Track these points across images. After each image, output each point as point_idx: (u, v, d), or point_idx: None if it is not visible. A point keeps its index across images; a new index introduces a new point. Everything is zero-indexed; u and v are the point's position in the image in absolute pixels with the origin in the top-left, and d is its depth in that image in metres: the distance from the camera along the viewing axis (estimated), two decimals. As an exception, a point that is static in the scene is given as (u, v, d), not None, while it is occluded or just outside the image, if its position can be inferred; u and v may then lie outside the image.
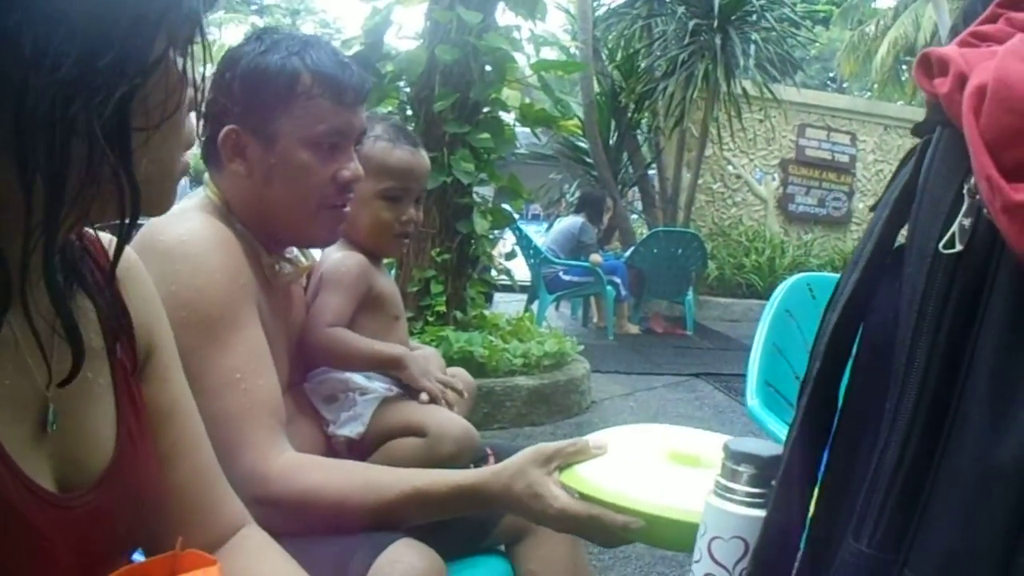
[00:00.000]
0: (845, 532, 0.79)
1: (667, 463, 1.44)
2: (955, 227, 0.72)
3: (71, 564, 0.87)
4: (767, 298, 2.76)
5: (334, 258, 1.99)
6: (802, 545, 0.87)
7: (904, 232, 0.82)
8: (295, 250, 1.80)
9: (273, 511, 1.36)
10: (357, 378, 1.92)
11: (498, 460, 2.05)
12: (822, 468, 0.86)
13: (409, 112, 5.70)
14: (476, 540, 1.97)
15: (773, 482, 0.90)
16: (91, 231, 1.01)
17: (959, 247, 0.71)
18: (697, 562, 1.03)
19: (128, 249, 1.06)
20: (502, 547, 2.03)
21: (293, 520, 1.44)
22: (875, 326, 0.82)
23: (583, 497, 1.41)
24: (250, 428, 1.47)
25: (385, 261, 2.23)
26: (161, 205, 0.95)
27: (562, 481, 1.44)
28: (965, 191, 0.72)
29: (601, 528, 1.39)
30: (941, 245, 0.72)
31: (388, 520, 1.53)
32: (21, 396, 0.87)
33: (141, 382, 1.07)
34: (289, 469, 1.49)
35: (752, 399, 2.54)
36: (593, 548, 3.56)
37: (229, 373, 1.48)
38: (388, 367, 1.97)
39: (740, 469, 0.99)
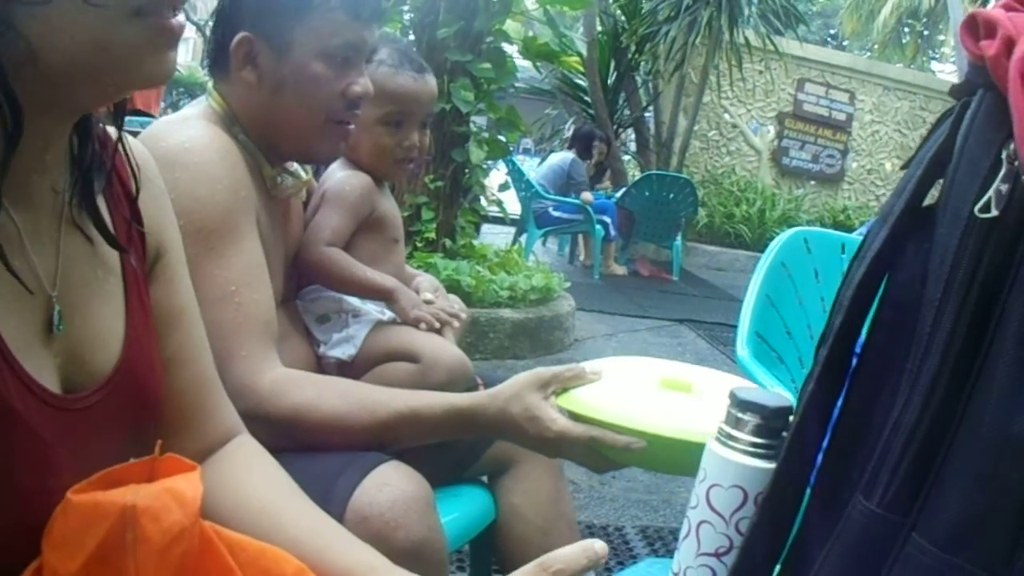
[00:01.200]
0: (854, 490, 0.79)
1: (661, 389, 1.45)
2: (991, 192, 0.71)
3: (70, 467, 0.86)
4: (755, 249, 2.76)
5: (339, 176, 1.97)
6: (807, 499, 0.87)
7: (935, 192, 0.81)
8: (295, 165, 1.78)
9: (262, 426, 1.35)
10: (351, 299, 1.91)
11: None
12: (833, 422, 0.85)
13: (411, 37, 5.65)
14: (460, 469, 1.97)
15: (784, 433, 0.90)
16: (107, 130, 0.99)
17: (994, 212, 0.70)
18: (693, 508, 1.03)
19: (142, 149, 1.06)
20: (484, 479, 2.03)
21: (282, 436, 1.43)
22: (901, 284, 0.81)
23: (581, 420, 1.41)
24: (242, 341, 1.46)
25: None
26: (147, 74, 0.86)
27: (559, 405, 1.44)
28: (1004, 156, 0.71)
29: (599, 451, 1.39)
30: (976, 209, 0.72)
31: (380, 441, 1.52)
32: (26, 296, 0.86)
33: (150, 284, 1.06)
34: (280, 384, 1.48)
35: (742, 349, 2.53)
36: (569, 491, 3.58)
37: (224, 285, 1.47)
38: (379, 297, 1.96)
39: (745, 418, 0.99)
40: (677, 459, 1.34)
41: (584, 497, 3.62)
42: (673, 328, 7.45)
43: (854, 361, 0.84)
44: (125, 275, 1.00)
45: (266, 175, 1.67)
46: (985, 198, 0.71)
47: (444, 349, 1.91)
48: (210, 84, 1.69)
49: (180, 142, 1.50)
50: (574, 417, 1.43)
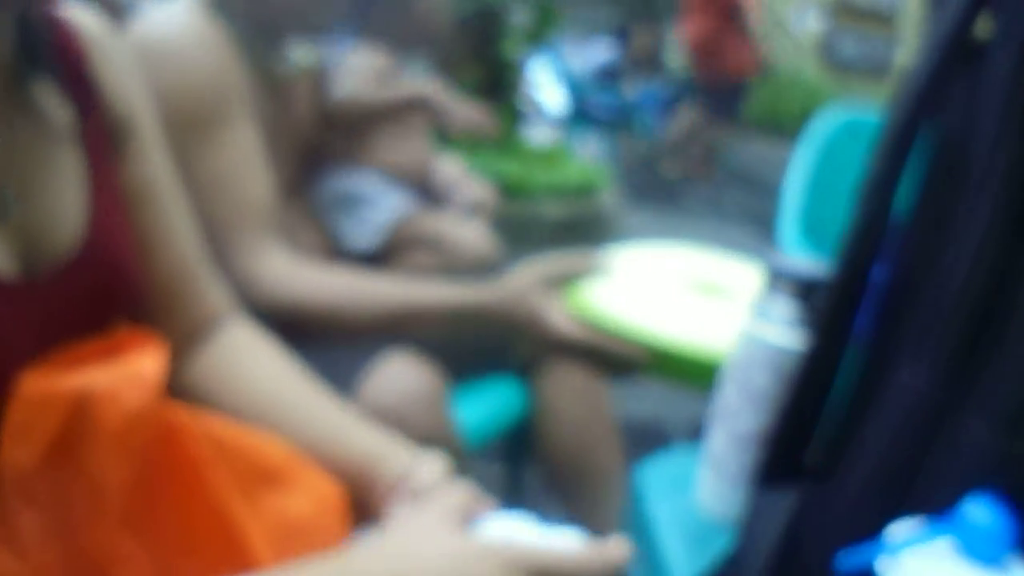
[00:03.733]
0: (898, 364, 0.71)
1: (687, 291, 1.37)
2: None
3: (28, 351, 0.80)
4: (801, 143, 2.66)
5: None
6: (844, 376, 0.79)
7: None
8: (297, 51, 1.69)
9: (263, 318, 1.27)
10: (371, 187, 1.84)
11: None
12: (874, 288, 0.76)
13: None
14: (490, 361, 1.91)
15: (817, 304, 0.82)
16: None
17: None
18: (724, 392, 0.96)
19: (95, 24, 0.99)
20: (518, 370, 1.97)
21: (285, 328, 1.34)
22: (948, 123, 0.72)
23: (589, 321, 1.35)
24: (239, 232, 1.41)
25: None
26: None
27: (570, 304, 1.38)
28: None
29: (607, 358, 1.35)
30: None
31: (384, 332, 1.49)
32: None
33: (119, 162, 0.99)
34: (281, 274, 1.44)
35: (785, 238, 2.46)
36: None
37: (216, 174, 1.42)
38: (413, 104, 1.89)
39: (780, 290, 0.91)
40: (691, 373, 1.27)
41: (625, 391, 3.56)
42: (718, 224, 7.35)
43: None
44: (86, 152, 0.93)
45: (260, 59, 1.58)
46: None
47: (472, 237, 1.85)
48: None
49: (161, 29, 1.44)
50: (582, 317, 1.37)
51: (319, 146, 1.82)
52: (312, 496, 0.95)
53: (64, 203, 0.89)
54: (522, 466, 2.25)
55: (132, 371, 0.82)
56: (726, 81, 8.82)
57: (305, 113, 1.79)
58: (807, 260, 0.95)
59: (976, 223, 0.64)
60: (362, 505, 0.98)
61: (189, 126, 1.39)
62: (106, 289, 0.91)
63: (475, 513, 0.89)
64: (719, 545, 0.86)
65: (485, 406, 1.82)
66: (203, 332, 1.10)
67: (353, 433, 1.04)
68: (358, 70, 1.91)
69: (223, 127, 1.44)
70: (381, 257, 1.82)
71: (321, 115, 1.82)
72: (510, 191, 5.39)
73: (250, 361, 1.10)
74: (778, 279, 0.91)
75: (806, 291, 0.89)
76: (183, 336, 1.05)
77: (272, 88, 1.58)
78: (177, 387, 1.00)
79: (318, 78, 1.88)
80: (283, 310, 1.41)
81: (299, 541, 0.92)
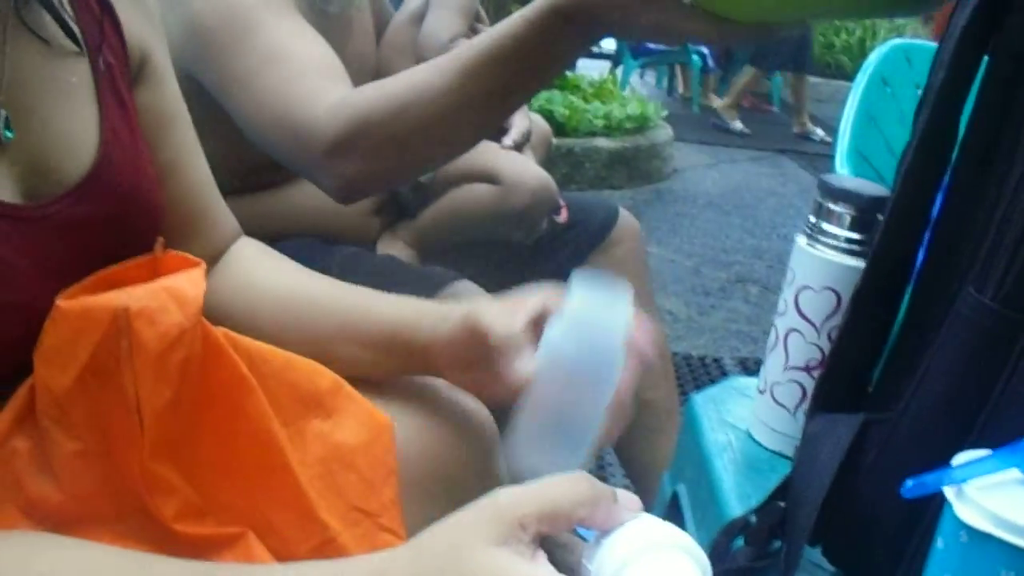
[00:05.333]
0: (964, 282, 0.67)
1: None
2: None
3: (31, 278, 0.78)
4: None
5: None
6: (907, 297, 0.75)
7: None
8: None
9: (334, 162, 1.18)
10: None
11: (571, 215, 1.96)
12: (938, 204, 0.73)
13: None
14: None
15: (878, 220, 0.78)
16: None
17: None
18: (781, 315, 0.92)
19: None
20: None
21: (362, 162, 1.19)
22: (1014, 29, 0.67)
23: None
24: (297, 87, 1.26)
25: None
26: None
27: None
28: None
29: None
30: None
31: (467, 86, 1.16)
32: None
33: (137, 87, 0.97)
34: (336, 103, 1.22)
35: (841, 168, 2.40)
36: (666, 321, 3.51)
37: (266, 50, 1.32)
38: None
39: (837, 209, 0.87)
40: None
41: (682, 327, 3.54)
42: (774, 158, 7.27)
43: (960, 131, 0.71)
44: (96, 76, 0.90)
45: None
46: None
47: (527, 170, 1.81)
48: None
49: None
50: None
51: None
52: (359, 426, 0.93)
53: (73, 123, 0.86)
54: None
55: (171, 290, 0.80)
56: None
57: (363, 46, 1.76)
58: (863, 182, 0.91)
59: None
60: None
61: (240, 19, 1.34)
62: (115, 214, 0.88)
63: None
64: (774, 476, 0.84)
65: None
66: (219, 253, 1.09)
67: (381, 305, 1.02)
68: (447, 4, 1.87)
69: (273, 14, 1.37)
70: (436, 189, 1.80)
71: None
72: (564, 126, 5.35)
73: (266, 269, 1.09)
74: (835, 198, 0.88)
75: (864, 211, 0.86)
76: (207, 258, 1.04)
77: (324, 18, 1.55)
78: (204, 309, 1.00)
79: (377, 12, 1.85)
80: (345, 137, 1.19)
81: (345, 469, 0.90)
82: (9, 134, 0.79)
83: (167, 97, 1.02)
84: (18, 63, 0.81)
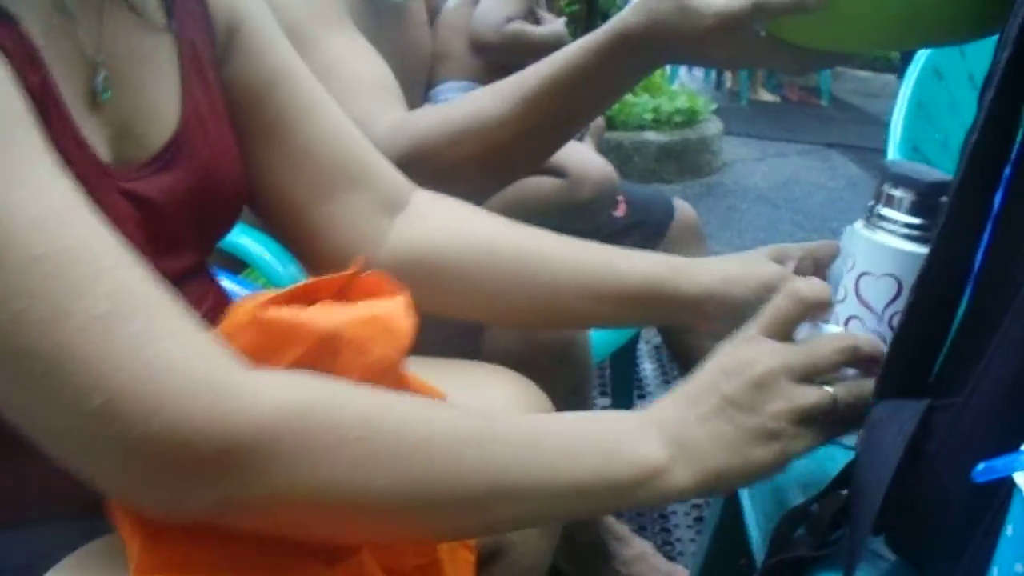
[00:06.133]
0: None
1: None
2: None
3: (141, 242, 0.79)
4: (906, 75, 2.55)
5: None
6: (972, 280, 0.74)
7: None
8: None
9: None
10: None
11: (629, 207, 1.96)
12: (1005, 181, 0.71)
13: None
14: None
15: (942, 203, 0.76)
16: None
17: None
18: (841, 302, 0.91)
19: None
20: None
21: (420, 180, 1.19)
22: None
23: None
24: (351, 107, 1.24)
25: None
26: None
27: None
28: None
29: (779, 37, 1.08)
30: None
31: (528, 115, 1.20)
32: (73, 58, 0.80)
33: (225, 63, 0.99)
34: (395, 124, 1.26)
35: (893, 160, 2.38)
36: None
37: (320, 67, 1.29)
38: (558, 46, 1.86)
39: (898, 194, 0.86)
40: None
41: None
42: (823, 153, 7.20)
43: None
44: (181, 52, 0.93)
45: None
46: None
47: (592, 162, 1.81)
48: None
49: None
50: None
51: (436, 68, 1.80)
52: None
53: (157, 94, 0.90)
54: (629, 391, 2.22)
55: (382, 321, 0.77)
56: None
57: (418, 37, 1.76)
58: (924, 167, 0.90)
59: None
60: None
61: (288, 31, 1.34)
62: (199, 188, 0.91)
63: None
64: (834, 464, 0.83)
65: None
66: (397, 205, 1.08)
67: (619, 260, 1.02)
68: None
69: (325, 26, 1.38)
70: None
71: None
72: (613, 120, 5.35)
73: (462, 220, 1.08)
74: (895, 183, 0.87)
75: (926, 196, 0.85)
76: (380, 208, 1.05)
77: (377, 11, 1.55)
78: (390, 264, 0.99)
79: (432, 1, 1.85)
80: (406, 157, 1.21)
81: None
82: (107, 94, 0.83)
83: (266, 62, 1.03)
84: (114, 32, 0.84)
